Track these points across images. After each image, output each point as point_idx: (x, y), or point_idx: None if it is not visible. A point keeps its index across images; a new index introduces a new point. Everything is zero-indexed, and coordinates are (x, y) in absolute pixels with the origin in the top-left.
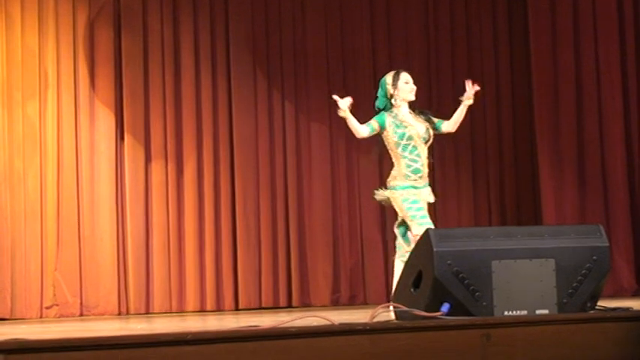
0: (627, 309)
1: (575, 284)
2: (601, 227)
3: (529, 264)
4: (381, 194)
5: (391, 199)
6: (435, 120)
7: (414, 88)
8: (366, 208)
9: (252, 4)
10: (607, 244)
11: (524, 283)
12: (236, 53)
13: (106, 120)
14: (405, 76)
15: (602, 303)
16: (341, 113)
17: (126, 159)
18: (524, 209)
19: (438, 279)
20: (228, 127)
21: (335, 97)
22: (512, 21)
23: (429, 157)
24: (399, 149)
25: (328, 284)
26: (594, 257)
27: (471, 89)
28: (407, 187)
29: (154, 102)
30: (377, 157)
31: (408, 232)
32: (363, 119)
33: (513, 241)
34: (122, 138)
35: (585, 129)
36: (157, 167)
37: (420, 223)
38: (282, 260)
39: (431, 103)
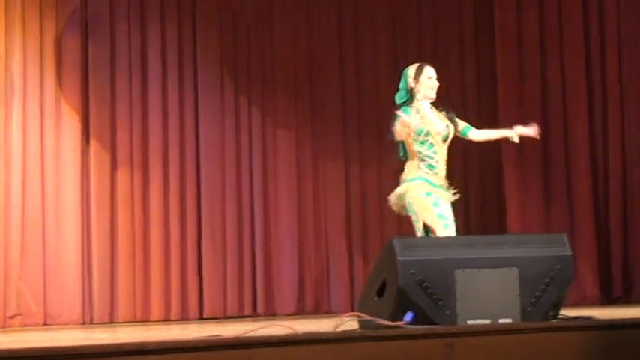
0: (589, 318)
1: (538, 293)
2: (565, 236)
3: (492, 273)
4: (392, 198)
5: (405, 197)
6: (462, 124)
7: (437, 84)
8: (332, 217)
9: (220, 11)
10: (570, 253)
11: (488, 292)
12: (203, 61)
13: (71, 127)
14: (429, 70)
15: (565, 312)
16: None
17: (92, 167)
18: (488, 218)
19: (401, 288)
20: (194, 134)
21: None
22: (479, 30)
23: (447, 158)
24: (416, 145)
25: (293, 293)
26: (558, 266)
27: (529, 131)
28: (421, 179)
29: (121, 109)
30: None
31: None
32: (331, 123)
33: (477, 250)
34: (88, 145)
35: (551, 138)
36: (122, 175)
37: (445, 225)
38: (247, 269)
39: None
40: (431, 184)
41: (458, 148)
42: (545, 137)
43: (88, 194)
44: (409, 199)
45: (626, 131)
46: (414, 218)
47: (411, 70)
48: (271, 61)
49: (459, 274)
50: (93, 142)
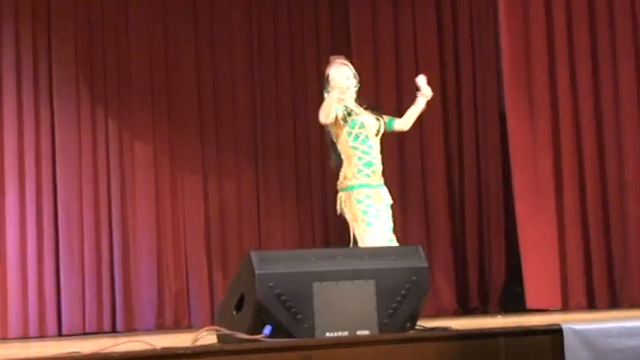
0: (446, 328)
1: (395, 305)
2: (420, 248)
3: (350, 285)
4: (338, 204)
5: (344, 204)
6: (386, 117)
7: (346, 85)
8: (191, 231)
9: (75, 21)
10: (426, 265)
11: (346, 305)
12: (59, 72)
13: None
14: (333, 74)
15: (423, 322)
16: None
17: None
18: (347, 230)
19: (259, 301)
20: (50, 149)
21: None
22: (335, 34)
23: (381, 153)
24: (351, 140)
25: (153, 308)
26: (414, 278)
27: (426, 85)
28: (361, 186)
29: None
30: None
31: None
32: (189, 134)
33: (335, 262)
34: None
35: (406, 152)
36: None
37: (372, 231)
38: (106, 285)
39: (255, 114)
40: (370, 187)
41: (318, 162)
42: (402, 148)
43: None
44: (346, 207)
45: (481, 143)
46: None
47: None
48: (127, 73)
49: (316, 286)
50: None
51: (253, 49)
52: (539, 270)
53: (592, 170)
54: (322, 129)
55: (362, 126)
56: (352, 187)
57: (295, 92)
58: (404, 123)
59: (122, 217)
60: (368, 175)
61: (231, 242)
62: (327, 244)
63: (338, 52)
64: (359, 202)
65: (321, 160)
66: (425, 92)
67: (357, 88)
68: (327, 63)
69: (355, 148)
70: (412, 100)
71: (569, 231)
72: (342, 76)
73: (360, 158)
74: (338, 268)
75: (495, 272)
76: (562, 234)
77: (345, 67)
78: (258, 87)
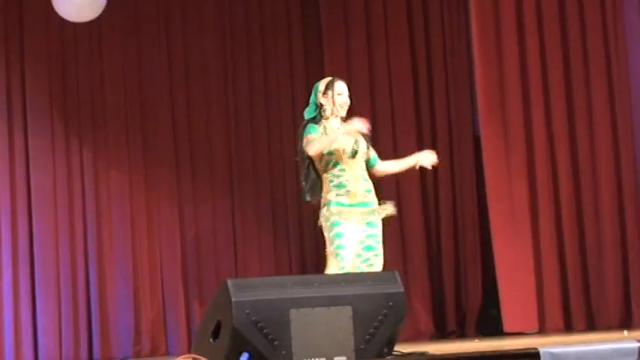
0: (423, 353)
1: (372, 330)
2: (396, 273)
3: (327, 312)
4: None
5: (321, 220)
6: (372, 153)
7: (348, 102)
8: (167, 259)
9: (49, 50)
10: (402, 290)
11: (323, 331)
12: (32, 101)
13: None
14: (340, 86)
15: (400, 348)
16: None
17: None
18: (323, 256)
19: (236, 329)
20: (25, 180)
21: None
22: (308, 63)
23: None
24: (321, 164)
25: (129, 336)
26: (390, 303)
27: (429, 157)
28: (334, 204)
29: None
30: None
31: None
32: (164, 162)
33: (311, 289)
34: None
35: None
36: None
37: (343, 257)
38: (82, 313)
39: (230, 142)
40: (343, 205)
41: (293, 189)
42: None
43: None
44: (322, 223)
45: (455, 166)
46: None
47: (322, 85)
48: (102, 102)
49: (293, 313)
50: None
51: (227, 77)
52: (515, 293)
53: (567, 193)
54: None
55: (331, 153)
56: (327, 204)
57: (270, 119)
58: (382, 169)
59: (98, 247)
60: (341, 196)
61: (207, 270)
62: (303, 270)
63: (312, 78)
64: (329, 223)
65: (297, 186)
66: (417, 162)
67: (345, 107)
68: (302, 87)
69: (326, 171)
70: (386, 129)
71: (545, 254)
72: (335, 93)
73: (331, 181)
74: (314, 294)
75: (472, 295)
76: (538, 256)
77: (340, 82)
78: (233, 115)
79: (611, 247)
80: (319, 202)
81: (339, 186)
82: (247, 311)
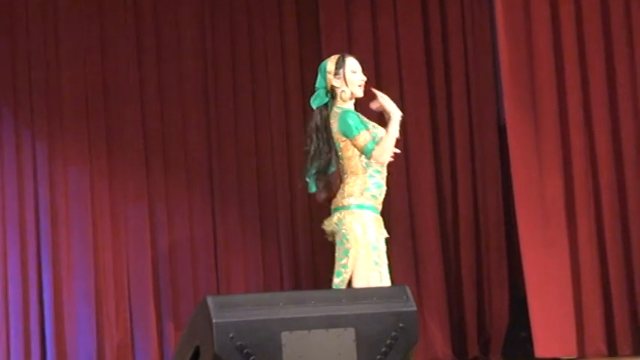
0: None
1: (379, 357)
2: (407, 289)
3: (325, 334)
4: (329, 222)
5: (341, 224)
6: None
7: (364, 79)
8: (135, 270)
9: None
10: (415, 309)
11: (320, 357)
12: None
13: None
14: (352, 63)
15: None
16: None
17: None
18: (321, 269)
19: (218, 355)
20: None
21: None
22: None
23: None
24: (363, 158)
25: None
26: (400, 324)
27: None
28: (371, 209)
29: None
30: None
31: None
32: (131, 156)
33: (307, 308)
34: None
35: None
36: None
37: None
38: (35, 336)
39: (209, 133)
40: (377, 212)
41: (284, 192)
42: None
43: None
44: (347, 232)
45: (477, 162)
46: (341, 252)
47: (330, 64)
48: (57, 84)
49: (286, 336)
50: None
51: (207, 55)
52: (549, 311)
53: (610, 191)
54: (290, 148)
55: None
56: (362, 207)
57: (257, 105)
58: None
59: (53, 258)
60: (377, 201)
61: (183, 284)
62: (297, 284)
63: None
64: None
65: (289, 184)
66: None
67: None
68: (295, 64)
69: (368, 167)
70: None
71: (584, 264)
72: (348, 71)
73: (372, 177)
74: (311, 314)
75: (497, 315)
76: (576, 267)
77: (351, 58)
78: (213, 100)
79: None
80: (329, 200)
81: (379, 186)
82: (231, 335)
